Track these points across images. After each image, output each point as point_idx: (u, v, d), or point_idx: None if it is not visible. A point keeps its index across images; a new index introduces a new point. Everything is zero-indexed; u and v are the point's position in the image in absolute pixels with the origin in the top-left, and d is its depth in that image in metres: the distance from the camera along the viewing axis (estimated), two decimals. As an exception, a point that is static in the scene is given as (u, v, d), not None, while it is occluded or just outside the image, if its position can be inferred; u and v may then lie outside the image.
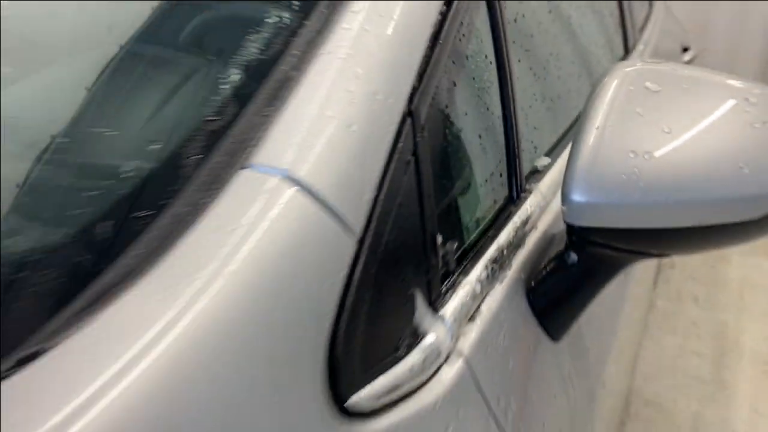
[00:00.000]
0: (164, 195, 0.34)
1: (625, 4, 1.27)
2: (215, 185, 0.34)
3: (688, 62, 1.98)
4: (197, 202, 0.33)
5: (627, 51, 1.23)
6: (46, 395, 0.26)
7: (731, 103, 0.54)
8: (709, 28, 4.41)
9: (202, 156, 0.35)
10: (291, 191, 0.34)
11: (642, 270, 1.03)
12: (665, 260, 2.84)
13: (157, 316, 0.29)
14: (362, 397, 0.35)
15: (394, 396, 0.38)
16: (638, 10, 1.53)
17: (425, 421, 0.39)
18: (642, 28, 1.49)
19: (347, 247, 0.36)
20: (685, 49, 1.96)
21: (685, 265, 2.88)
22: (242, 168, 0.35)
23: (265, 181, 0.34)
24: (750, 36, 4.35)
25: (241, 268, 0.31)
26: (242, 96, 0.39)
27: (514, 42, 0.67)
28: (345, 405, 0.34)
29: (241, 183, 0.34)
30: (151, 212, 0.33)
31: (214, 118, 0.38)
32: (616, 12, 1.20)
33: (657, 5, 2.00)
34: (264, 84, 0.39)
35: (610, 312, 0.77)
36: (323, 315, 0.34)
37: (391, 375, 0.38)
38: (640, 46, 1.30)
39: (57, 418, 0.25)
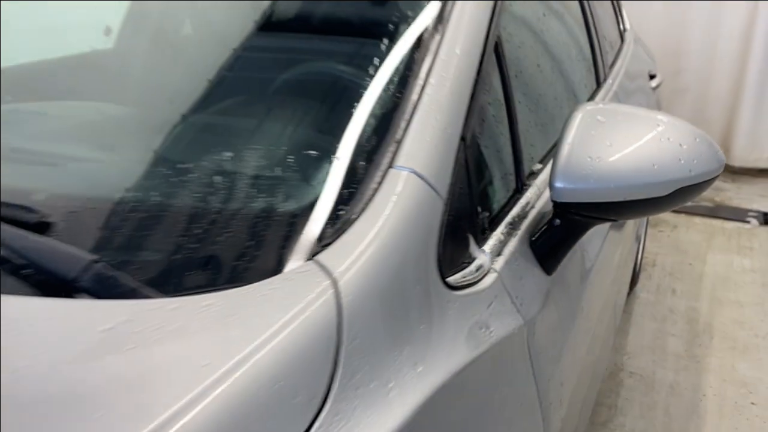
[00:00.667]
0: (355, 178, 0.70)
1: (597, 47, 1.64)
2: (380, 176, 0.70)
3: (655, 87, 2.35)
4: (377, 182, 0.69)
5: (598, 85, 1.60)
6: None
7: (649, 127, 0.90)
8: (681, 51, 4.82)
9: (369, 158, 0.71)
10: (414, 179, 0.70)
11: (608, 237, 1.39)
12: (648, 259, 3.20)
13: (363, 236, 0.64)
14: (452, 279, 0.71)
15: (465, 282, 0.73)
16: (610, 49, 1.91)
17: (479, 297, 0.74)
18: (612, 64, 1.87)
19: (439, 206, 0.72)
20: (652, 76, 2.34)
21: (665, 263, 3.24)
22: (390, 167, 0.71)
23: (401, 174, 0.70)
24: (720, 55, 4.76)
25: (397, 214, 0.67)
26: (385, 115, 0.75)
27: (516, 88, 1.03)
28: (445, 280, 0.70)
29: (392, 175, 0.70)
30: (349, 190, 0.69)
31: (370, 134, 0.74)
32: (589, 55, 1.58)
33: (628, 39, 2.39)
34: (395, 110, 0.75)
35: (582, 266, 1.13)
36: (434, 239, 0.70)
37: (462, 272, 0.73)
38: (609, 81, 1.68)
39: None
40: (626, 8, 4.30)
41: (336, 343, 0.55)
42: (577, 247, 0.94)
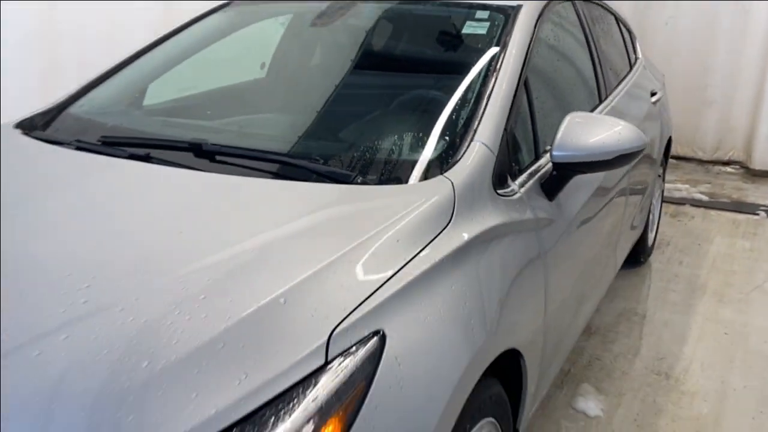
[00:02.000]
0: (459, 144, 1.56)
1: (600, 76, 2.47)
2: (467, 144, 1.56)
3: (655, 102, 3.14)
4: (466, 146, 1.55)
5: (600, 101, 2.43)
6: None
7: (608, 126, 1.73)
8: (707, 69, 5.54)
9: (463, 135, 1.58)
10: (482, 147, 1.55)
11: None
12: (663, 240, 3.94)
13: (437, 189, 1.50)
14: (499, 191, 1.56)
15: (504, 194, 1.58)
16: (615, 75, 2.72)
17: (511, 201, 1.59)
18: (617, 86, 2.68)
19: (493, 159, 1.57)
20: (653, 94, 3.13)
21: (677, 243, 3.98)
22: (473, 141, 1.56)
23: (476, 144, 1.56)
24: (742, 74, 5.46)
25: (475, 160, 1.52)
26: (471, 116, 1.62)
27: (536, 101, 1.87)
28: (496, 191, 1.55)
29: (473, 145, 1.56)
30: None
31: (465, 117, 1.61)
32: (594, 82, 2.41)
33: (637, 66, 3.18)
34: (475, 112, 1.62)
35: (570, 206, 1.96)
36: (489, 172, 1.55)
37: (503, 190, 1.58)
38: (609, 98, 2.50)
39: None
40: (660, 32, 5.16)
41: (453, 206, 1.41)
42: (565, 194, 1.78)
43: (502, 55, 1.82)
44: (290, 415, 0.98)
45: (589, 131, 1.71)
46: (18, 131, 1.89)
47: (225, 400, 0.96)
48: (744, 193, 5.00)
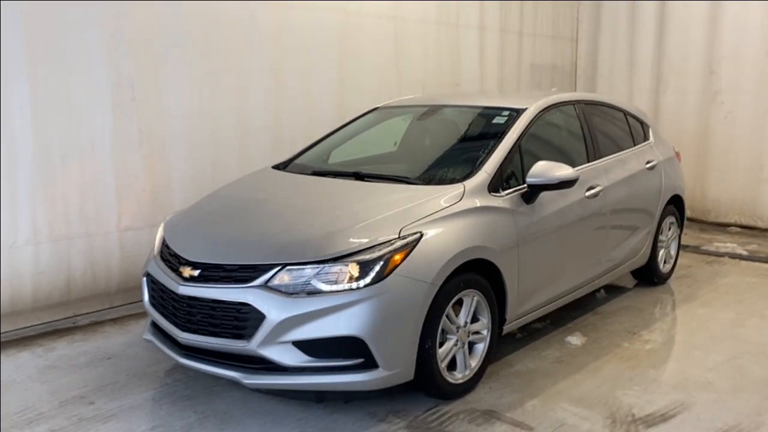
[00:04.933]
0: (471, 171, 3.36)
1: (591, 144, 4.14)
2: (476, 170, 3.36)
3: (649, 168, 4.68)
4: (475, 172, 3.35)
5: (588, 161, 4.09)
6: None
7: (563, 169, 3.44)
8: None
9: (475, 166, 3.38)
10: (483, 172, 3.34)
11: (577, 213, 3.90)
12: (683, 272, 5.28)
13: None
14: (492, 194, 3.31)
15: (496, 197, 3.32)
16: (607, 149, 4.37)
17: (499, 200, 3.32)
18: (610, 155, 4.31)
19: (488, 179, 3.35)
20: (648, 162, 4.68)
21: (697, 276, 5.30)
22: (478, 169, 3.36)
23: (480, 170, 3.35)
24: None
25: (477, 179, 3.31)
26: (482, 155, 3.42)
27: (527, 154, 3.61)
28: (490, 194, 3.30)
29: (477, 170, 3.35)
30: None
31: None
32: (584, 148, 4.09)
33: (640, 144, 4.78)
34: (488, 153, 3.43)
35: (543, 211, 3.64)
36: (486, 183, 3.32)
37: (495, 194, 3.33)
38: (596, 160, 4.15)
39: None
40: (720, 123, 6.76)
41: (462, 195, 3.21)
42: (539, 204, 3.49)
43: (506, 132, 3.61)
44: (385, 249, 2.82)
45: (548, 169, 3.43)
46: (272, 169, 3.99)
47: (364, 241, 2.83)
48: (781, 251, 6.12)
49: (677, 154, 5.24)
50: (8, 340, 3.89)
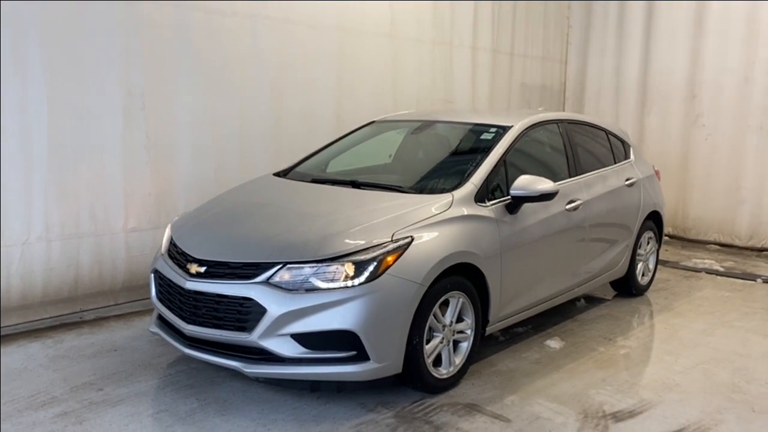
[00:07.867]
0: (459, 182, 3.62)
1: (572, 160, 4.42)
2: (464, 182, 3.62)
3: (629, 185, 4.96)
4: (463, 183, 3.61)
5: (570, 176, 4.36)
6: None
7: (544, 183, 3.70)
8: (741, 176, 7.16)
9: (463, 177, 3.65)
10: (470, 184, 3.60)
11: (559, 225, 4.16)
12: (661, 286, 5.55)
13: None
14: (478, 204, 3.57)
15: (482, 206, 3.58)
16: (589, 166, 4.65)
17: (485, 210, 3.59)
18: (591, 171, 4.58)
19: (475, 190, 3.61)
20: (628, 179, 4.96)
21: (674, 289, 5.57)
22: (466, 180, 3.62)
23: (468, 182, 3.61)
24: None
25: (465, 189, 3.57)
26: (471, 167, 3.69)
27: (511, 166, 3.88)
28: (476, 203, 3.56)
29: (465, 182, 3.61)
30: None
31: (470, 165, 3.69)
32: (565, 163, 4.37)
33: (621, 163, 5.07)
34: (476, 166, 3.69)
35: (524, 222, 3.91)
36: (473, 194, 3.58)
37: (481, 204, 3.59)
38: (577, 176, 4.42)
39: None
40: (701, 145, 7.06)
41: (451, 204, 3.47)
42: (522, 215, 3.75)
43: (493, 147, 3.88)
44: (379, 250, 3.07)
45: (530, 183, 3.69)
46: (273, 176, 4.24)
47: (360, 243, 3.08)
48: (758, 269, 6.40)
49: (657, 173, 5.53)
50: (19, 332, 4.11)
